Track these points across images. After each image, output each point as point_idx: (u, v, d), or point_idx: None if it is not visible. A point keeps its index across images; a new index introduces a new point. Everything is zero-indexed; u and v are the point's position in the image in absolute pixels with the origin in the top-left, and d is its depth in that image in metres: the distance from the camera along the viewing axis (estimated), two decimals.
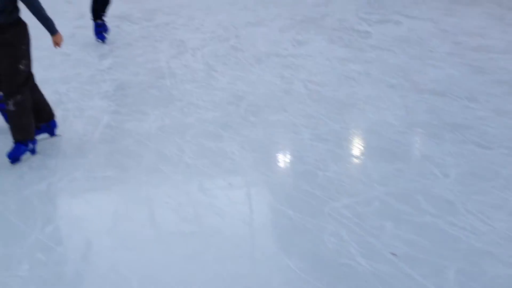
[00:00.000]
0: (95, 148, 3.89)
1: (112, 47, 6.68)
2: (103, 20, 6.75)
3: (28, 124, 3.65)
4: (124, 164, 3.67)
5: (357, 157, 3.75)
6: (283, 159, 3.84)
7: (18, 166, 3.62)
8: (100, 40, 6.75)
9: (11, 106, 3.55)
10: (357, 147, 3.93)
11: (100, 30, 6.73)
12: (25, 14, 3.57)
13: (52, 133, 4.06)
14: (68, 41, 7.03)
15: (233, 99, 4.84)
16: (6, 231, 2.93)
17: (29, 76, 3.66)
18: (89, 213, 3.11)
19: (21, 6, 3.55)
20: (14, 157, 3.61)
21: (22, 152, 3.66)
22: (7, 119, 3.76)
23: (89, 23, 7.89)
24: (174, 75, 5.57)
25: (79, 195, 3.29)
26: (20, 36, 3.52)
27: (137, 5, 9.83)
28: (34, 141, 3.75)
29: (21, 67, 3.52)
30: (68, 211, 3.13)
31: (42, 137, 4.01)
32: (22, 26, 3.54)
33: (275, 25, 7.77)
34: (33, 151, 3.76)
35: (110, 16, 8.32)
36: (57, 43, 3.69)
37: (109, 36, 6.87)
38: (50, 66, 5.84)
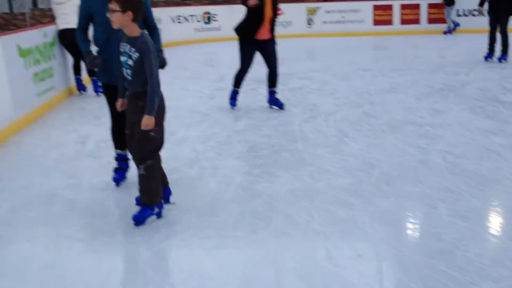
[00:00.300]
0: (227, 207, 3.98)
1: (247, 109, 6.96)
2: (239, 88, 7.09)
3: (155, 188, 3.71)
4: (253, 225, 3.70)
5: (500, 239, 3.44)
6: (417, 234, 3.63)
7: (154, 219, 3.79)
8: (231, 106, 7.06)
9: (141, 171, 3.65)
10: (501, 228, 3.61)
11: (234, 96, 7.07)
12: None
13: (166, 200, 3.99)
14: (207, 102, 7.48)
15: (365, 167, 4.74)
16: (142, 282, 3.05)
17: (161, 143, 3.74)
18: (218, 271, 3.14)
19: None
20: (138, 220, 3.69)
21: (147, 216, 3.72)
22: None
23: (228, 86, 8.31)
24: (306, 139, 5.62)
25: (210, 252, 3.35)
26: None
27: None
28: (160, 205, 3.79)
29: (152, 134, 3.60)
30: (199, 267, 3.18)
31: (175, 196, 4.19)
32: None
33: (411, 92, 7.62)
34: (158, 215, 3.80)
35: (247, 80, 8.69)
36: (145, 124, 3.52)
37: (271, 105, 6.99)
38: (190, 125, 6.20)
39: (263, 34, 6.55)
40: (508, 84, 7.86)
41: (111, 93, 4.18)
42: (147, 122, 3.50)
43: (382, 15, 16.55)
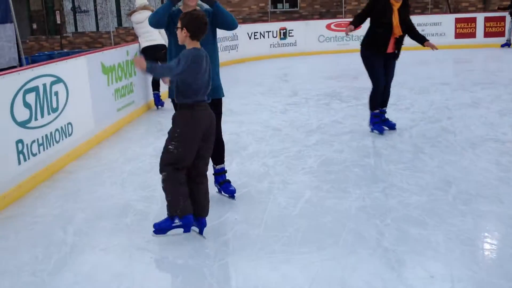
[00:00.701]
0: (294, 223, 3.94)
1: (320, 124, 6.89)
2: (379, 110, 6.39)
3: (173, 201, 3.60)
4: (321, 241, 3.63)
5: None
6: (495, 256, 3.42)
7: (223, 233, 3.82)
8: (376, 131, 6.30)
9: (161, 182, 3.68)
10: None
11: (377, 120, 6.34)
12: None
13: (200, 231, 3.81)
14: (280, 117, 7.48)
15: (441, 184, 4.55)
16: None
17: (179, 159, 3.60)
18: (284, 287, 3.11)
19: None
20: (157, 228, 3.69)
21: (167, 226, 3.66)
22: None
23: (300, 101, 8.32)
24: (379, 155, 5.48)
25: (276, 268, 3.31)
26: (178, 119, 3.61)
27: (348, 84, 10.11)
28: (184, 219, 3.62)
29: (170, 147, 3.59)
30: (265, 282, 3.15)
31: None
32: (186, 111, 3.59)
33: (494, 108, 7.27)
34: (185, 229, 3.67)
35: (320, 94, 8.66)
36: (136, 62, 3.50)
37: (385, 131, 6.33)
38: (262, 140, 6.22)
39: (389, 47, 6.13)
40: None
41: None
42: (138, 60, 3.48)
43: (464, 28, 15.99)
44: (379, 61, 6.16)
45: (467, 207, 4.06)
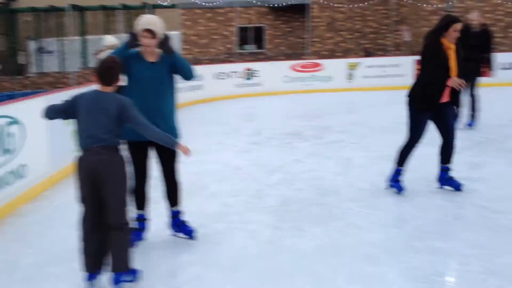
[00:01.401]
0: (251, 263, 3.89)
1: (281, 163, 6.91)
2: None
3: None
4: (275, 282, 3.59)
5: None
6: None
7: (176, 275, 3.74)
8: (397, 190, 5.43)
9: None
10: None
11: (397, 178, 5.47)
12: None
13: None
14: (242, 156, 7.48)
15: (398, 222, 4.60)
16: None
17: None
18: None
19: None
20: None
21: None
22: None
23: (263, 140, 8.34)
24: (337, 193, 5.51)
25: None
26: None
27: (310, 123, 10.22)
28: (88, 275, 3.51)
29: None
30: None
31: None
32: None
33: None
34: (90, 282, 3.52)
35: (283, 133, 8.71)
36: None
37: (442, 185, 5.53)
38: (223, 180, 6.20)
39: (444, 96, 5.23)
40: None
41: (133, 149, 4.22)
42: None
43: None
44: (426, 117, 5.28)
45: (422, 243, 4.09)
